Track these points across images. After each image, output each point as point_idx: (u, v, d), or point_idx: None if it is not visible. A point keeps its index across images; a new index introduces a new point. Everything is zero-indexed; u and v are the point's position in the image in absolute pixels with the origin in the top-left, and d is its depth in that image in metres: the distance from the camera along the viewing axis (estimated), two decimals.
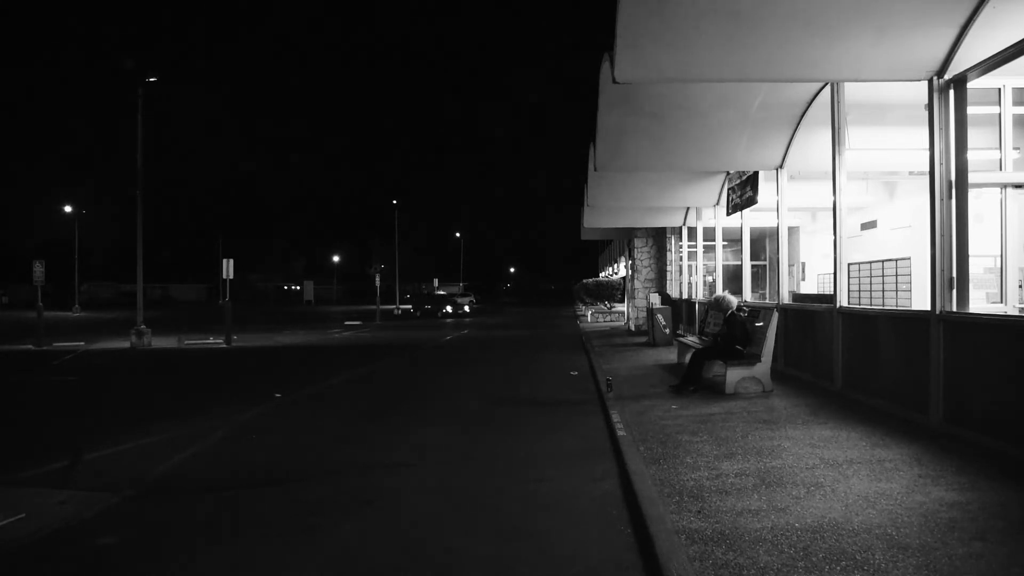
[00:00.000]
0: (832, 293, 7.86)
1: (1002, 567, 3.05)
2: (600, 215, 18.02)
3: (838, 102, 7.54)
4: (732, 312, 8.22)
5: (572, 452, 5.81)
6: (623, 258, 27.65)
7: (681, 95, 8.82)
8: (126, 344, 17.53)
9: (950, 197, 5.68)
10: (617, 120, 9.40)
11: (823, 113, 8.10)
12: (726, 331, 8.18)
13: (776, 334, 8.11)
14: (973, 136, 5.76)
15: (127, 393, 10.25)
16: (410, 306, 42.42)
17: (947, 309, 5.64)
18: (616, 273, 32.98)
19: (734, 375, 7.88)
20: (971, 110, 5.83)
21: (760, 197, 10.16)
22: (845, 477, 4.46)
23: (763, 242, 18.35)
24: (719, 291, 9.15)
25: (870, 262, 10.48)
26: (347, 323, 29.83)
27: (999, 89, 7.19)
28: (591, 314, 27.35)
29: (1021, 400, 4.81)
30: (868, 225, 13.53)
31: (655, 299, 16.31)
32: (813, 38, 5.80)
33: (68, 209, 53.50)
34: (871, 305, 9.88)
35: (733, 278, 16.44)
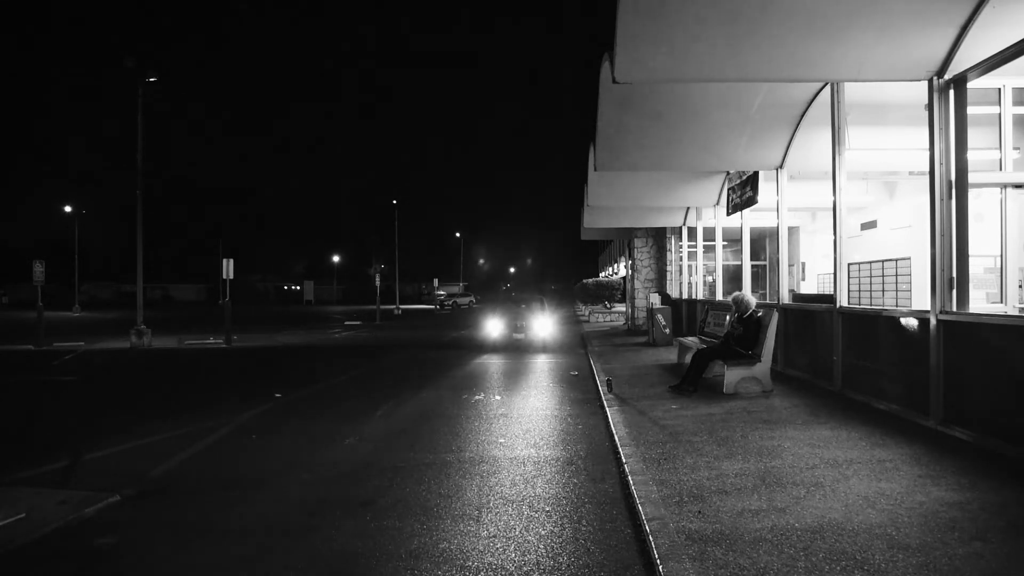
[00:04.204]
0: (832, 293, 7.86)
1: (1002, 567, 3.05)
2: (600, 215, 18.01)
3: (838, 102, 7.55)
4: (751, 312, 8.21)
5: (572, 453, 5.82)
6: (623, 258, 27.68)
7: (681, 95, 8.82)
8: (126, 344, 17.54)
9: (950, 197, 5.68)
10: (617, 120, 9.40)
11: (823, 113, 8.11)
12: (741, 331, 8.16)
13: (776, 334, 8.11)
14: (973, 136, 5.76)
15: (127, 393, 10.24)
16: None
17: (947, 309, 5.64)
18: (616, 273, 33.03)
19: (734, 375, 7.88)
20: (971, 110, 5.84)
21: (760, 197, 10.16)
22: (845, 477, 4.46)
23: (763, 242, 18.35)
24: (719, 290, 9.17)
25: (870, 262, 10.48)
26: (347, 323, 29.84)
27: (999, 89, 7.20)
28: (591, 314, 27.34)
29: (1021, 400, 4.81)
30: (868, 225, 13.54)
31: (655, 299, 16.30)
32: (813, 38, 5.80)
33: (68, 209, 53.55)
34: (871, 305, 9.88)
35: (733, 278, 16.47)
